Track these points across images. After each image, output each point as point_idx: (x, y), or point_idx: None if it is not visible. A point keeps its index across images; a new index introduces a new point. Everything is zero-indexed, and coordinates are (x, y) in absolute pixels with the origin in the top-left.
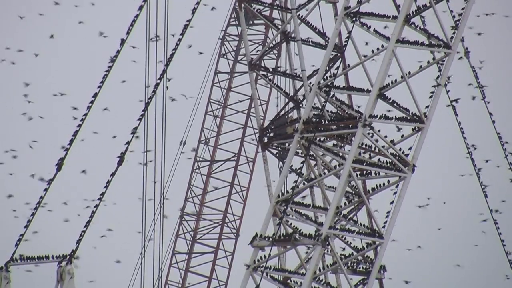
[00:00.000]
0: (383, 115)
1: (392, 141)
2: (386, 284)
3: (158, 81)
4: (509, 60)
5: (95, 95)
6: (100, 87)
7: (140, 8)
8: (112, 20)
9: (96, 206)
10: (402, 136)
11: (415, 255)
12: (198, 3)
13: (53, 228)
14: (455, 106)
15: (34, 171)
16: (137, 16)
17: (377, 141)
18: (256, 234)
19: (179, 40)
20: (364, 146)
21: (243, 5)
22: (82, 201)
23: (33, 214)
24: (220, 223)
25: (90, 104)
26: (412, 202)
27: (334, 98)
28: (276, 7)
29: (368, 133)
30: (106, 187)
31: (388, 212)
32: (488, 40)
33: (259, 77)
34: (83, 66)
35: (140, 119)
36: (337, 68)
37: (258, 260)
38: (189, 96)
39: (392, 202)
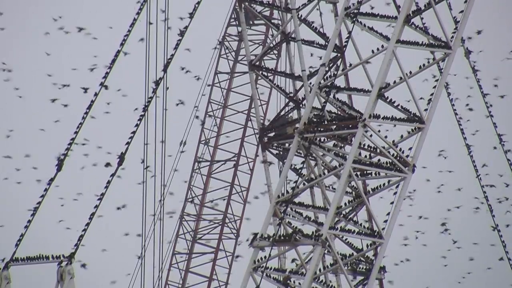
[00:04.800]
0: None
1: (392, 142)
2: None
3: (159, 81)
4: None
5: (96, 95)
6: (101, 84)
7: (140, 8)
8: (112, 20)
9: (96, 206)
10: (402, 136)
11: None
12: (198, 4)
13: (53, 228)
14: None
15: (34, 171)
16: (137, 14)
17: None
18: (256, 234)
19: (179, 40)
20: (364, 146)
21: (243, 5)
22: (82, 201)
23: (33, 214)
24: (220, 223)
25: (91, 104)
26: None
27: (335, 98)
28: (276, 7)
29: (368, 132)
30: (106, 187)
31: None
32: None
33: (259, 77)
34: (82, 66)
35: (140, 120)
36: (337, 68)
37: (258, 261)
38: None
39: (392, 203)
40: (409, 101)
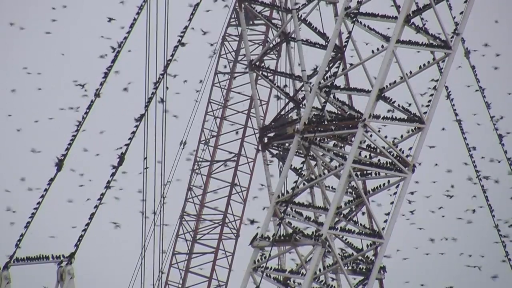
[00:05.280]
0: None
1: (392, 142)
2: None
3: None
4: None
5: (96, 95)
6: (101, 84)
7: (140, 8)
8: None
9: (96, 206)
10: (402, 136)
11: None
12: (197, 5)
13: (53, 228)
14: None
15: (33, 170)
16: (137, 14)
17: (376, 140)
18: (256, 234)
19: (178, 41)
20: (364, 146)
21: (243, 5)
22: (82, 201)
23: (33, 214)
24: (220, 223)
25: (90, 104)
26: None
27: (335, 99)
28: (276, 7)
29: (368, 132)
30: (107, 187)
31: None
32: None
33: (259, 77)
34: (81, 66)
35: (140, 120)
36: (337, 68)
37: (258, 261)
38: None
39: (392, 203)
40: (410, 104)
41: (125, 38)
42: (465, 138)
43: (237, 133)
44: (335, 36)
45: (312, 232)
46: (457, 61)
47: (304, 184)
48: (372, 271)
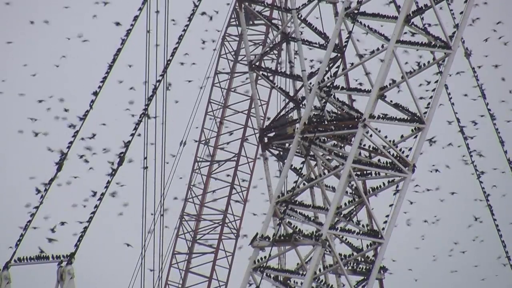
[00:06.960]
0: (384, 115)
1: (392, 142)
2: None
3: (159, 80)
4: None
5: (96, 95)
6: (100, 87)
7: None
8: (112, 19)
9: (96, 206)
10: (402, 136)
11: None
12: (195, 8)
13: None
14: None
15: (34, 170)
16: (137, 16)
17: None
18: (256, 234)
19: (179, 40)
20: (365, 146)
21: (243, 5)
22: (82, 201)
23: (33, 214)
24: (220, 223)
25: (91, 104)
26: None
27: (335, 99)
28: (276, 7)
29: (368, 133)
30: (106, 187)
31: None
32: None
33: (259, 77)
34: (81, 65)
35: (140, 120)
36: (337, 68)
37: (258, 261)
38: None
39: (392, 203)
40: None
41: (125, 37)
42: (465, 139)
43: (231, 134)
44: (335, 36)
45: (312, 232)
46: (457, 63)
47: (304, 184)
48: (372, 271)
